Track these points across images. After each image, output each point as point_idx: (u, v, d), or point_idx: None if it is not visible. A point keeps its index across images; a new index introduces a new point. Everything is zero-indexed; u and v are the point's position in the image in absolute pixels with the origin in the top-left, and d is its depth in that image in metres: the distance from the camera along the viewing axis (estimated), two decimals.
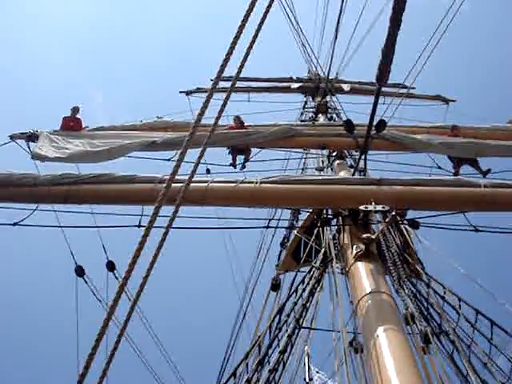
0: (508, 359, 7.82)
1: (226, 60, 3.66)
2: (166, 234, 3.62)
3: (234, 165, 12.59)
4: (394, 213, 8.38)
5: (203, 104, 3.81)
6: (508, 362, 7.79)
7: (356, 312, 7.11)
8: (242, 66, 3.84)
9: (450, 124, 13.62)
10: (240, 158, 12.73)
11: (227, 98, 3.91)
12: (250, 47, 3.93)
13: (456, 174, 12.17)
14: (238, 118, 12.76)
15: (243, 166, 12.71)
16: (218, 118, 4.11)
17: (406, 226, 9.74)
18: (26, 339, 29.36)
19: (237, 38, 3.68)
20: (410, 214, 9.54)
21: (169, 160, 11.28)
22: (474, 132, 12.98)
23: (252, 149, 12.46)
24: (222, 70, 3.69)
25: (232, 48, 3.69)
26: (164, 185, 3.70)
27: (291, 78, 23.01)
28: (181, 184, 4.01)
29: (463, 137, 12.11)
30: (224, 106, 3.99)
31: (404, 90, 14.60)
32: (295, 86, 22.23)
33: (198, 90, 20.58)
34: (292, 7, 18.54)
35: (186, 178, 4.06)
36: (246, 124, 12.83)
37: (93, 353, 3.08)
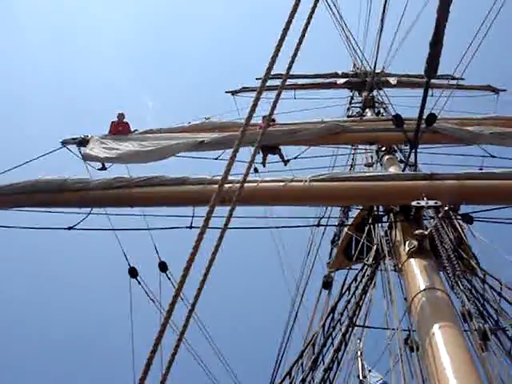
0: None
1: (274, 58, 3.64)
2: (222, 233, 3.61)
3: (263, 163, 12.64)
4: (446, 208, 8.24)
5: (252, 103, 3.78)
6: None
7: (410, 309, 7.01)
8: (291, 64, 3.81)
9: (502, 114, 13.29)
10: (271, 158, 12.77)
11: (278, 96, 3.89)
12: (298, 45, 3.90)
13: None
14: (272, 118, 12.67)
15: (285, 165, 12.73)
16: (270, 115, 4.10)
17: (460, 221, 9.54)
18: (84, 339, 30.00)
19: (284, 35, 3.65)
20: (464, 209, 9.36)
21: (216, 159, 11.38)
22: None
23: (283, 147, 12.44)
24: (270, 69, 3.66)
25: (279, 46, 3.66)
26: (215, 185, 3.71)
27: (336, 73, 22.79)
28: (229, 184, 4.01)
29: None
30: (275, 104, 3.96)
31: (453, 82, 14.32)
32: (341, 81, 22.02)
33: (244, 90, 20.65)
34: (336, 2, 18.44)
35: (236, 178, 4.06)
36: (275, 123, 12.80)
37: (150, 359, 3.09)
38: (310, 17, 3.95)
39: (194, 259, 3.30)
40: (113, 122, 13.03)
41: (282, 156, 12.68)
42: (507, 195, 8.49)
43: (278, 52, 3.78)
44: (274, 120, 12.86)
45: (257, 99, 3.74)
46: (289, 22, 3.78)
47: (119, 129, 12.94)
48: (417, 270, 7.47)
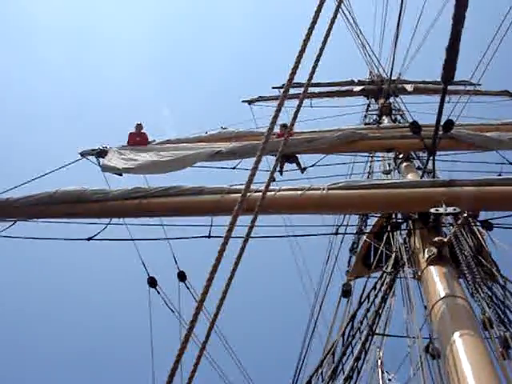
0: None
1: (295, 68, 3.67)
2: (245, 243, 3.62)
3: (281, 172, 12.65)
4: (465, 214, 8.19)
5: (274, 113, 3.82)
6: None
7: (430, 317, 6.97)
8: (311, 75, 3.84)
9: None
10: (287, 166, 12.76)
11: (299, 105, 3.91)
12: (319, 56, 3.94)
13: None
14: (285, 126, 12.71)
15: (302, 173, 12.72)
16: (292, 125, 4.13)
17: (479, 228, 9.47)
18: (104, 351, 30.09)
19: (304, 46, 3.68)
20: (483, 215, 9.30)
21: (234, 168, 11.43)
22: None
23: (300, 156, 12.43)
24: (291, 79, 3.69)
25: (300, 56, 3.69)
26: (233, 195, 3.73)
27: (352, 81, 22.80)
28: (249, 193, 4.01)
29: None
30: (296, 114, 3.99)
31: (470, 87, 14.25)
32: (357, 89, 22.01)
33: (260, 99, 20.72)
34: (351, 10, 18.46)
35: (254, 187, 4.08)
36: (293, 131, 12.80)
37: (173, 373, 3.09)
38: (330, 28, 3.97)
39: (216, 270, 3.30)
40: (131, 133, 13.15)
41: (299, 164, 12.67)
42: None
43: (299, 62, 3.81)
44: (291, 129, 12.84)
45: (278, 110, 3.77)
46: (309, 33, 3.81)
47: (137, 139, 13.05)
48: (436, 277, 7.42)
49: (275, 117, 3.74)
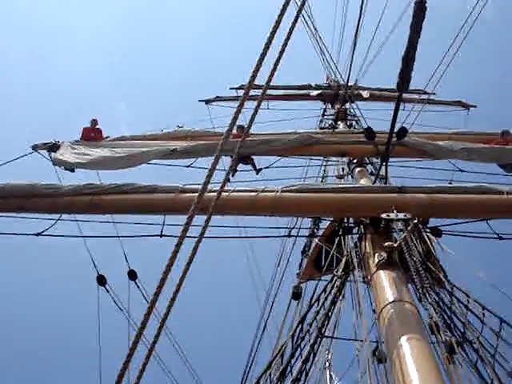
0: None
1: (256, 72, 3.66)
2: (198, 243, 3.58)
3: (233, 172, 12.71)
4: (416, 221, 8.33)
5: (236, 110, 3.80)
6: None
7: (378, 321, 7.06)
8: (270, 77, 3.84)
9: (472, 130, 13.56)
10: (242, 167, 12.84)
11: (257, 107, 3.91)
12: (278, 60, 3.93)
13: None
14: (241, 127, 12.76)
15: (256, 174, 12.79)
16: (249, 127, 4.12)
17: (429, 234, 9.64)
18: (50, 350, 29.49)
19: (266, 49, 3.68)
20: (432, 222, 9.46)
21: (188, 167, 11.32)
22: None
23: (255, 157, 12.50)
24: (252, 81, 3.68)
25: (261, 59, 3.69)
26: (187, 194, 3.69)
27: (310, 85, 22.92)
28: (195, 193, 3.97)
29: None
30: (254, 116, 3.98)
31: (424, 96, 14.52)
32: (314, 93, 22.16)
33: (218, 99, 20.66)
34: (311, 15, 18.58)
35: (209, 186, 4.05)
36: (249, 132, 12.82)
37: (122, 374, 3.04)
38: (291, 32, 3.98)
39: (170, 270, 3.26)
40: (85, 128, 12.97)
41: (254, 165, 12.72)
42: (475, 209, 8.64)
43: (261, 64, 3.80)
44: (248, 131, 12.89)
45: (238, 111, 3.76)
46: (271, 37, 3.81)
47: (91, 135, 12.86)
48: (385, 282, 7.53)
49: (235, 118, 3.73)
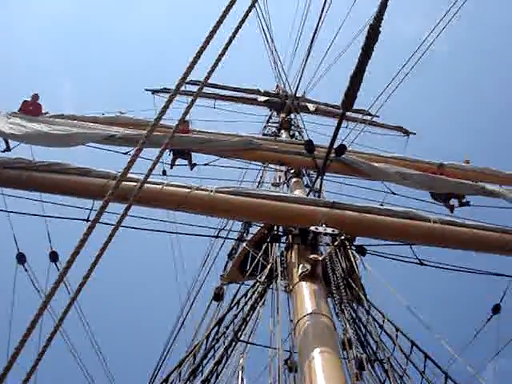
0: None
1: (194, 63, 3.61)
2: (114, 231, 3.54)
3: (172, 165, 12.72)
4: (342, 237, 8.47)
5: (165, 104, 3.76)
6: None
7: (295, 331, 7.12)
8: (210, 73, 3.80)
9: (409, 156, 13.94)
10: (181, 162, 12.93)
11: (193, 101, 3.87)
12: (222, 54, 3.89)
13: (450, 207, 12.36)
14: (185, 123, 12.81)
15: (191, 169, 12.94)
16: (180, 120, 4.06)
17: (354, 252, 9.82)
18: None
19: (207, 41, 3.64)
20: (359, 240, 9.64)
21: (125, 153, 11.12)
22: (463, 173, 13.18)
23: (193, 154, 12.58)
24: (187, 73, 3.63)
25: (201, 51, 3.64)
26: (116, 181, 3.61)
27: (259, 90, 23.00)
28: (134, 183, 3.93)
29: (450, 176, 12.21)
30: (189, 109, 3.94)
31: (367, 117, 14.80)
32: (262, 99, 22.25)
33: (164, 90, 20.39)
34: (268, 21, 18.65)
35: (142, 177, 4.00)
36: (190, 129, 13.18)
37: (21, 345, 2.96)
38: (238, 28, 3.96)
39: (81, 249, 3.22)
40: (25, 101, 12.65)
41: (190, 161, 12.76)
42: (399, 233, 8.88)
43: (199, 57, 3.75)
44: (188, 125, 12.93)
45: (169, 101, 3.71)
46: (214, 30, 3.78)
47: (30, 108, 12.53)
48: (306, 293, 7.61)
49: (164, 109, 3.68)
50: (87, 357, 12.08)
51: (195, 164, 12.81)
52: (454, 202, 12.47)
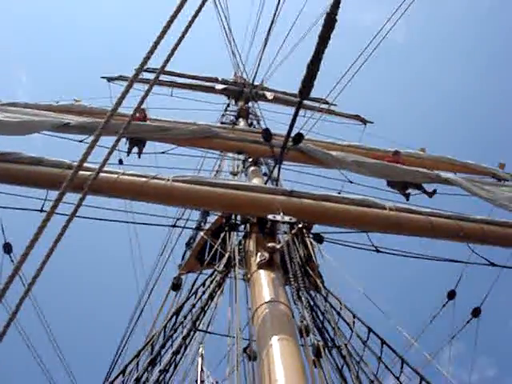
0: (395, 377, 8.07)
1: (152, 51, 3.57)
2: (68, 222, 3.49)
3: (128, 153, 12.68)
4: (300, 225, 8.52)
5: (122, 92, 3.71)
6: (395, 381, 8.04)
7: (253, 319, 7.13)
8: (166, 61, 3.75)
9: (366, 145, 14.05)
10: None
11: (149, 90, 3.82)
12: (179, 42, 3.85)
13: (405, 195, 12.47)
14: (142, 111, 12.75)
15: (138, 156, 13.02)
16: (137, 109, 4.02)
17: (311, 240, 9.89)
18: None
19: (165, 29, 3.59)
20: (317, 229, 9.71)
21: (81, 141, 10.91)
22: (419, 161, 13.33)
23: (147, 142, 12.55)
24: (146, 61, 3.59)
25: (159, 39, 3.60)
26: (72, 171, 3.54)
27: (216, 78, 22.87)
28: (90, 172, 3.87)
29: (406, 164, 12.32)
30: (145, 97, 3.89)
31: (325, 106, 14.87)
32: (219, 87, 22.13)
33: (121, 78, 20.09)
34: (226, 8, 18.59)
35: (97, 166, 3.93)
36: (148, 117, 13.09)
37: None
38: (195, 15, 3.92)
39: (36, 241, 3.15)
40: None
41: (141, 149, 12.76)
42: (356, 220, 8.95)
43: (157, 45, 3.71)
44: (145, 113, 12.83)
45: (127, 89, 3.66)
46: (172, 19, 3.74)
47: None
48: (264, 281, 7.64)
49: (121, 97, 3.62)
50: (43, 349, 11.91)
51: (141, 151, 12.84)
52: (410, 190, 12.62)
